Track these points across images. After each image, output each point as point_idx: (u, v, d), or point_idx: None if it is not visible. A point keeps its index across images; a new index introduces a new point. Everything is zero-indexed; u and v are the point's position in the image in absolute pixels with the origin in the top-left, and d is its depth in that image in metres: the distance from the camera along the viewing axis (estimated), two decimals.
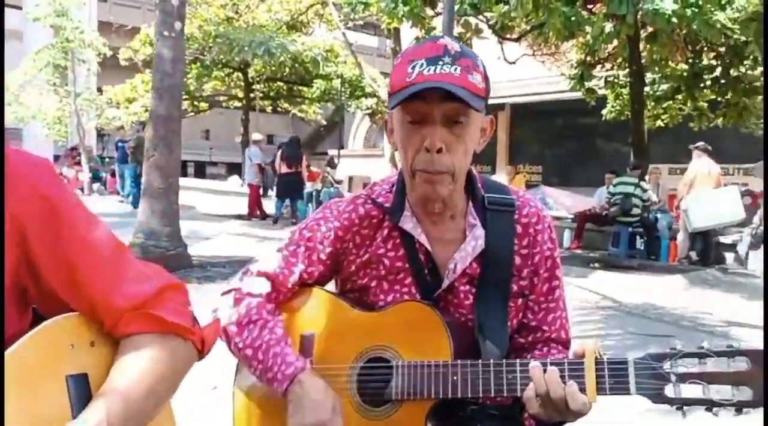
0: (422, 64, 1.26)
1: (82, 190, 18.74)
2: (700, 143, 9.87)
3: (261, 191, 14.29)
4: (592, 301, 6.59)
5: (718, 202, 9.21)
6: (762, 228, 9.21)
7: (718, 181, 9.66)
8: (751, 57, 10.60)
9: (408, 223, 1.39)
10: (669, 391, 1.11)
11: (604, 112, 13.52)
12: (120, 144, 15.50)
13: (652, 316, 5.98)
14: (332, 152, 19.50)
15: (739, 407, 1.08)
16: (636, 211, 9.98)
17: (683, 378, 1.11)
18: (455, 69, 1.25)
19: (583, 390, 1.16)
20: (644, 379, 1.13)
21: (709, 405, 1.09)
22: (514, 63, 13.91)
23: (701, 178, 9.53)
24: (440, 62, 1.25)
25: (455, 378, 1.25)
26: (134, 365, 0.99)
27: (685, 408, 1.11)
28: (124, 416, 0.94)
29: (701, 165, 9.63)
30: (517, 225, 1.40)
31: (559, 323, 1.44)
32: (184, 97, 21.59)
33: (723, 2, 8.58)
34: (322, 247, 1.43)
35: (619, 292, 7.03)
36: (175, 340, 1.04)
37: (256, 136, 14.95)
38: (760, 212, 9.34)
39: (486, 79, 1.31)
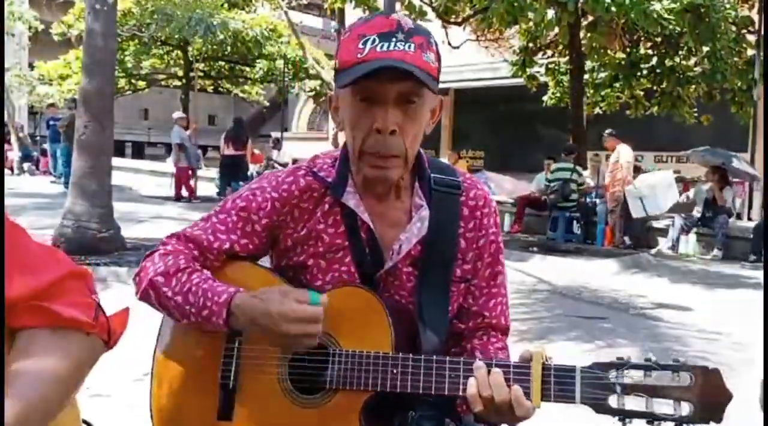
0: (374, 40, 1.19)
1: (11, 170, 17.96)
2: (610, 130, 10.12)
3: (189, 172, 13.29)
4: (530, 284, 6.71)
5: (668, 189, 9.54)
6: (696, 214, 9.57)
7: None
8: (686, 47, 10.93)
9: (351, 199, 1.32)
10: (612, 401, 1.10)
11: (545, 98, 13.72)
12: (51, 122, 14.80)
13: (587, 299, 6.12)
14: (275, 134, 19.16)
15: (679, 423, 1.07)
16: (574, 196, 10.19)
17: (628, 389, 1.10)
18: (409, 46, 1.19)
19: (527, 395, 1.13)
20: (589, 389, 1.11)
21: (651, 418, 1.08)
22: (458, 48, 13.96)
23: (630, 164, 9.85)
24: (393, 39, 1.19)
25: (395, 371, 1.20)
26: (30, 364, 0.91)
27: (626, 420, 1.10)
28: (18, 419, 0.86)
29: (628, 151, 9.89)
30: (464, 207, 1.36)
31: (499, 309, 1.41)
32: (122, 74, 20.88)
33: None
34: (257, 218, 1.34)
35: (556, 275, 7.17)
36: (75, 335, 0.97)
37: (177, 114, 13.88)
38: (698, 202, 9.70)
39: (438, 58, 1.26)
